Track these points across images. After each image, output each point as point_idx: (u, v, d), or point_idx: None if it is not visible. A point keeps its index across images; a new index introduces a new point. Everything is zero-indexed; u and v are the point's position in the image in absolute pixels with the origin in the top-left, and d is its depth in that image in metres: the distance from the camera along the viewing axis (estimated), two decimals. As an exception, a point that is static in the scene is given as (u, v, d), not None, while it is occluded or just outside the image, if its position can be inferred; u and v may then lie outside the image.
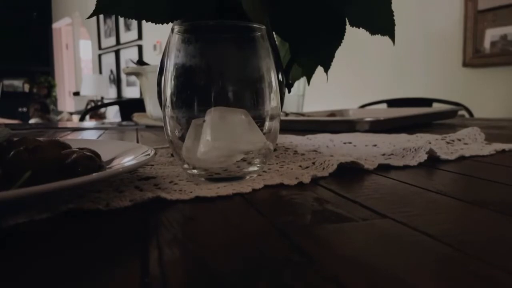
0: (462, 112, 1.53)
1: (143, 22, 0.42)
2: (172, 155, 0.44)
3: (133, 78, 4.51)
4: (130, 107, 1.52)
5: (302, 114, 1.06)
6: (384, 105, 1.81)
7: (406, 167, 0.38)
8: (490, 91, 2.05)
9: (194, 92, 0.31)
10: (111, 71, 5.29)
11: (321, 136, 0.64)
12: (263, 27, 0.32)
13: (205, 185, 0.30)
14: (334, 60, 0.46)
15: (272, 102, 0.32)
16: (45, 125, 1.43)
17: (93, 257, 0.18)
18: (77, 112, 5.31)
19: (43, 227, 0.22)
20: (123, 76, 5.11)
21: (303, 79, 0.86)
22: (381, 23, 0.43)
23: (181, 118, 0.31)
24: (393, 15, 0.42)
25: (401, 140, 0.58)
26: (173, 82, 0.31)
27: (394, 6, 0.42)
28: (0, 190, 0.20)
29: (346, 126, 0.77)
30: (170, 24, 0.42)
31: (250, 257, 0.18)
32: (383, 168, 0.38)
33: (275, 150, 0.47)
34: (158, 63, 0.44)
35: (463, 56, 2.14)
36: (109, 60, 5.32)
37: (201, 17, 0.33)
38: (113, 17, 4.82)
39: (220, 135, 0.30)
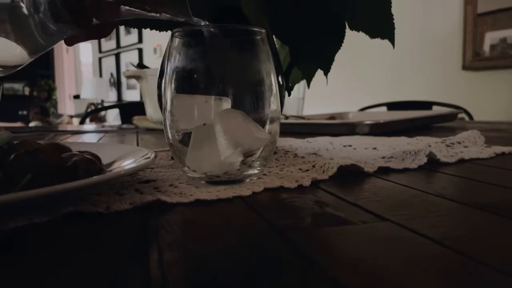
0: (461, 115, 1.54)
1: (143, 25, 0.42)
2: (172, 158, 0.44)
3: (133, 81, 4.52)
4: (130, 110, 1.52)
5: (302, 117, 1.06)
6: (384, 108, 1.81)
7: (406, 170, 0.38)
8: (490, 94, 2.05)
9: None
10: (111, 74, 5.30)
11: (321, 139, 0.64)
12: (263, 30, 0.32)
13: (205, 188, 0.30)
14: (334, 63, 0.46)
15: (272, 105, 0.32)
16: (45, 128, 1.43)
17: (93, 259, 0.18)
18: (77, 115, 5.32)
19: (43, 230, 0.22)
20: (123, 79, 5.12)
21: (303, 82, 0.86)
22: (381, 26, 0.43)
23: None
24: (393, 19, 0.42)
25: (401, 143, 0.58)
26: (173, 85, 0.31)
27: (393, 10, 0.42)
28: (0, 193, 0.20)
29: (346, 129, 0.77)
30: (171, 28, 0.42)
31: (250, 260, 0.18)
32: (383, 171, 0.38)
33: (275, 153, 0.47)
34: (158, 66, 0.44)
35: (462, 59, 2.15)
36: (109, 63, 5.33)
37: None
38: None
39: (235, 136, 0.31)
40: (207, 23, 0.32)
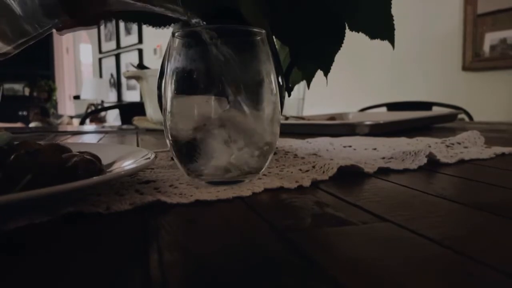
0: (461, 115, 1.54)
1: (143, 26, 0.42)
2: (172, 159, 0.44)
3: (133, 81, 4.52)
4: (130, 111, 1.52)
5: (302, 118, 1.06)
6: (384, 109, 1.81)
7: (406, 171, 0.38)
8: (490, 95, 2.05)
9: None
10: (112, 75, 5.30)
11: (321, 140, 0.64)
12: (263, 31, 0.32)
13: (205, 189, 0.30)
14: (334, 63, 0.46)
15: (272, 105, 0.32)
16: (45, 128, 1.43)
17: (93, 259, 0.18)
18: (77, 116, 5.32)
19: (43, 230, 0.22)
20: (123, 80, 5.12)
21: (303, 83, 0.86)
22: (381, 27, 0.43)
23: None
24: (393, 20, 0.42)
25: (401, 143, 0.58)
26: (173, 86, 0.31)
27: (393, 10, 0.42)
28: (0, 194, 0.20)
29: (346, 129, 0.77)
30: (170, 28, 0.42)
31: (250, 260, 0.18)
32: (383, 172, 0.38)
33: (275, 153, 0.47)
34: (159, 67, 0.44)
35: (462, 60, 2.15)
36: (109, 64, 5.33)
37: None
38: (114, 21, 4.83)
39: (238, 137, 0.31)
40: (200, 21, 0.32)
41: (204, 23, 0.32)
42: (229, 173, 0.31)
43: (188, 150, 0.31)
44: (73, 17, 0.31)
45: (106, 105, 4.74)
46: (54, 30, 0.33)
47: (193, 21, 0.31)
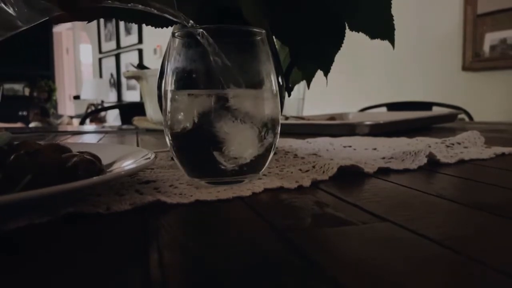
0: (461, 115, 1.54)
1: (144, 26, 0.42)
2: (172, 159, 0.44)
3: (133, 82, 4.52)
4: (130, 111, 1.52)
5: (302, 118, 1.06)
6: (384, 109, 1.81)
7: (406, 171, 0.38)
8: (490, 95, 2.05)
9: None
10: (112, 75, 5.30)
11: (321, 140, 0.64)
12: (263, 31, 0.32)
13: (205, 189, 0.30)
14: (334, 64, 0.46)
15: (272, 106, 0.32)
16: (45, 129, 1.43)
17: (93, 260, 0.18)
18: (77, 116, 5.32)
19: (43, 230, 0.22)
20: (123, 80, 5.12)
21: (303, 83, 0.86)
22: (381, 27, 0.43)
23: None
24: (393, 20, 0.42)
25: (401, 143, 0.58)
26: (173, 86, 0.31)
27: (393, 11, 0.42)
28: (0, 194, 0.20)
29: (346, 129, 0.77)
30: (170, 28, 0.42)
31: (250, 260, 0.18)
32: (383, 172, 0.38)
33: (275, 153, 0.47)
34: (159, 67, 0.44)
35: (462, 60, 2.15)
36: (109, 64, 5.33)
37: (201, 22, 0.33)
38: (114, 21, 4.84)
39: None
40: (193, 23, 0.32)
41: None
42: (228, 173, 0.31)
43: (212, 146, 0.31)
44: (68, 11, 0.31)
45: (106, 105, 4.74)
46: (53, 30, 0.33)
47: (189, 24, 0.31)
